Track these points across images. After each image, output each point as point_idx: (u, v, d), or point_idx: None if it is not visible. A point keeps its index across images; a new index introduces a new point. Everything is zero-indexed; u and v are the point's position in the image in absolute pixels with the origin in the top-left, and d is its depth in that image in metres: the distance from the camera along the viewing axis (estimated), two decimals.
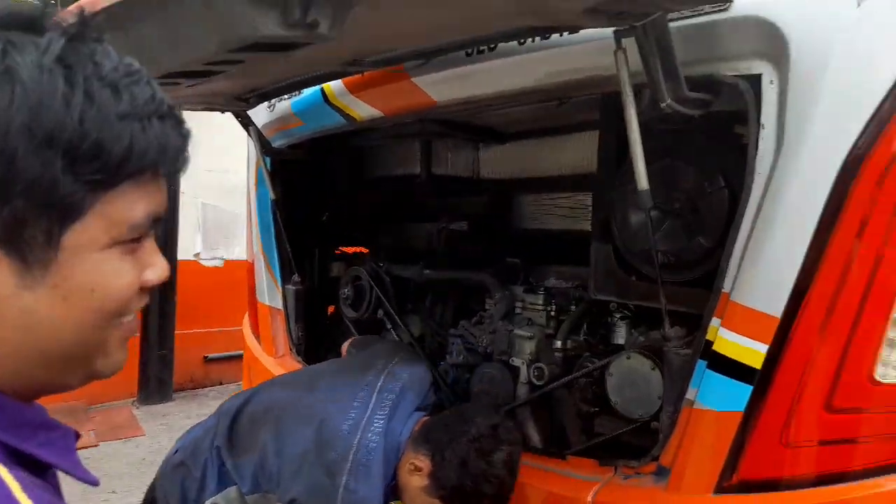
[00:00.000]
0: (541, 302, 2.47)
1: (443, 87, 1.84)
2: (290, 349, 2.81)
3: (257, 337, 2.98)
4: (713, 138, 1.64)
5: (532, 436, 2.31)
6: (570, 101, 1.85)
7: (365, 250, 3.07)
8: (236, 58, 1.07)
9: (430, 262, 2.72)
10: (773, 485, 1.40)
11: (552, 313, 2.47)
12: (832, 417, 1.31)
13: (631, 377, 1.97)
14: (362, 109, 2.07)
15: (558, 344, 2.36)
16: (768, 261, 1.30)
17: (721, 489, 1.43)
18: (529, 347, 2.38)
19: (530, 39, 1.55)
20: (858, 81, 1.16)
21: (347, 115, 2.13)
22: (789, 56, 1.21)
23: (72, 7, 0.58)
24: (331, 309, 3.07)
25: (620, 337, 2.23)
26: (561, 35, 1.48)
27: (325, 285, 2.93)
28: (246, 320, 3.13)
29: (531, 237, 2.83)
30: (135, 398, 6.23)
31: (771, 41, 1.24)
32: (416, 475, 1.69)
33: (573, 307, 2.46)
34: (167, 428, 5.64)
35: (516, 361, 2.43)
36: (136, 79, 0.53)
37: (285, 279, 2.74)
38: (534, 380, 2.28)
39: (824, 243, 1.21)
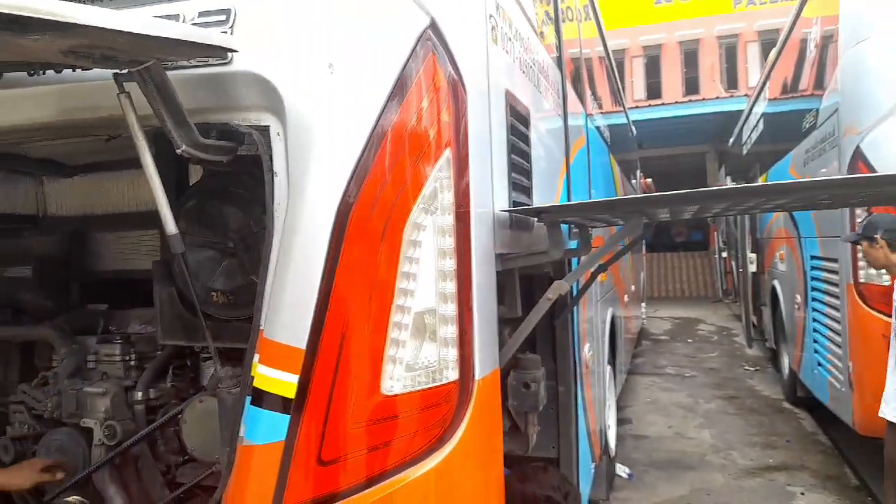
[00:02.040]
0: (117, 352, 2.27)
1: None
2: None
3: None
4: (257, 180, 1.72)
5: (115, 500, 2.10)
6: (122, 136, 1.75)
7: None
8: None
9: None
10: (321, 503, 1.51)
11: (132, 363, 2.29)
12: (356, 431, 1.46)
13: (205, 420, 1.93)
14: None
15: (139, 395, 2.20)
16: (290, 297, 1.40)
17: None
18: (103, 405, 2.16)
19: (41, 72, 1.41)
20: (340, 139, 1.34)
21: None
22: (286, 111, 1.34)
23: None
24: None
25: (207, 378, 2.19)
26: (73, 70, 1.38)
27: None
28: None
29: (114, 280, 2.60)
30: None
31: (270, 96, 1.35)
32: None
33: (158, 353, 2.33)
34: None
35: (88, 422, 2.19)
36: None
37: None
38: (105, 440, 2.07)
39: (331, 281, 1.36)
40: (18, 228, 2.56)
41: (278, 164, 1.38)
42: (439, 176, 1.40)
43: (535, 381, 2.49)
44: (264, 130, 1.38)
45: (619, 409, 6.54)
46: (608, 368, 4.93)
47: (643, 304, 12.08)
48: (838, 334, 4.77)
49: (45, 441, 2.21)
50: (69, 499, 2.12)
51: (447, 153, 1.41)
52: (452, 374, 1.51)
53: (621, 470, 5.13)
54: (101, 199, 2.55)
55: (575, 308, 3.09)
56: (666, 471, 5.25)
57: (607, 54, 6.29)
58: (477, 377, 1.57)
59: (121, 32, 0.98)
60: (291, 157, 1.35)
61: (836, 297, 4.75)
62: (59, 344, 2.24)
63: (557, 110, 2.90)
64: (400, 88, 1.37)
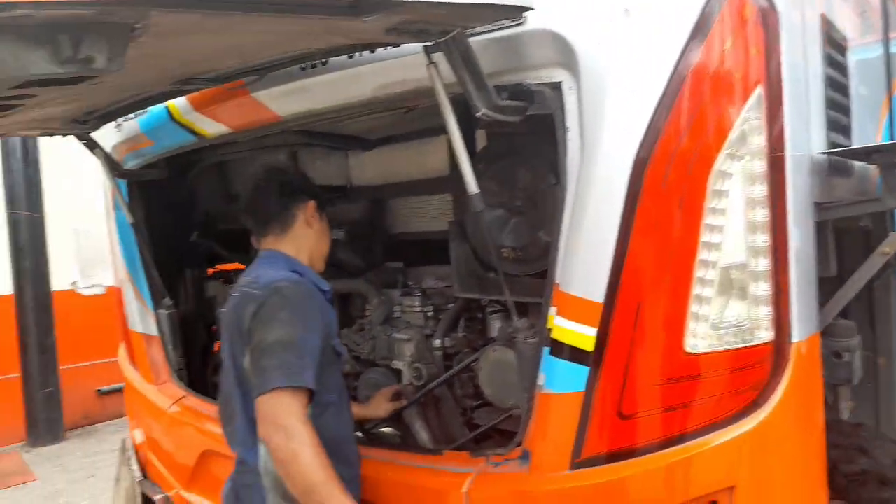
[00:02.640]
0: (417, 304, 2.52)
1: (283, 101, 1.85)
2: (171, 375, 2.73)
3: (134, 366, 2.87)
4: (544, 139, 1.74)
5: (420, 435, 2.36)
6: (418, 109, 1.91)
7: (242, 266, 3.02)
8: (25, 93, 1.04)
9: None
10: (619, 455, 1.51)
11: (429, 314, 2.53)
12: (657, 388, 1.43)
13: (498, 369, 2.06)
14: (209, 126, 2.04)
15: (437, 343, 2.42)
16: (586, 252, 1.40)
17: (574, 465, 1.53)
18: (409, 350, 2.43)
19: (358, 54, 1.59)
20: (635, 88, 1.28)
21: (195, 132, 2.10)
22: (579, 64, 1.31)
23: None
24: (213, 329, 3.00)
25: (495, 331, 2.32)
26: (385, 49, 1.53)
27: (201, 306, 2.86)
28: (121, 350, 3.01)
29: (409, 240, 2.88)
30: (24, 442, 5.83)
31: (563, 51, 1.33)
32: None
33: (450, 306, 2.53)
34: (62, 469, 5.33)
35: (398, 364, 2.48)
36: None
37: (157, 304, 2.66)
38: (413, 381, 2.33)
39: (628, 233, 1.32)
40: (331, 198, 2.96)
41: (571, 119, 1.37)
42: (748, 118, 1.27)
43: (849, 350, 2.16)
44: (556, 86, 1.39)
45: None
46: None
47: None
48: None
49: (363, 378, 2.55)
50: (384, 429, 2.44)
51: (758, 91, 1.27)
52: (766, 335, 1.38)
53: None
54: (395, 169, 2.82)
55: None
56: None
57: None
58: (794, 340, 1.41)
59: (440, 4, 1.05)
60: (584, 111, 1.34)
61: None
62: (372, 295, 2.55)
63: (877, 35, 2.44)
64: (702, 25, 1.26)
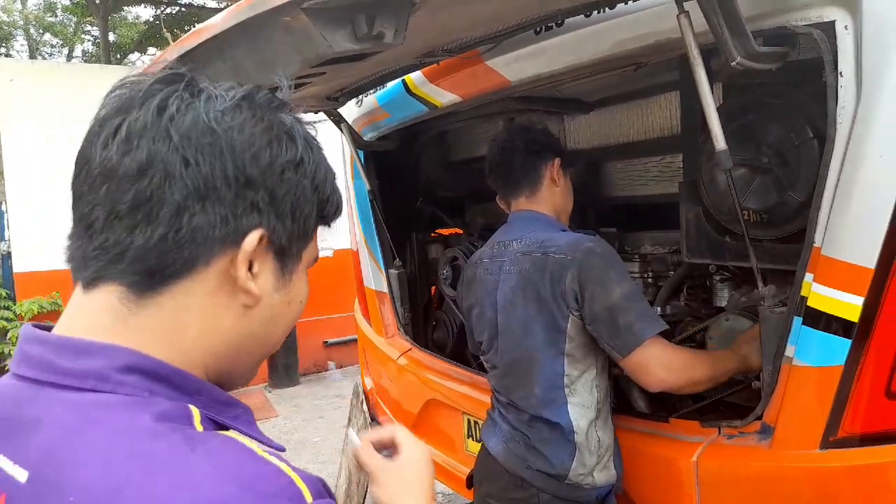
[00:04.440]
0: (637, 269, 2.47)
1: (516, 66, 1.89)
2: (399, 329, 2.98)
3: (368, 320, 3.18)
4: (798, 89, 1.59)
5: (637, 401, 2.33)
6: (647, 65, 1.85)
7: (460, 231, 3.18)
8: (319, 70, 1.19)
9: None
10: (881, 438, 1.37)
11: (650, 280, 2.47)
12: None
13: (731, 338, 1.95)
14: (442, 96, 2.16)
15: (658, 311, 2.36)
16: (857, 212, 1.26)
17: (827, 444, 1.42)
18: None
19: (596, 12, 1.57)
20: None
21: (429, 102, 2.23)
22: (861, 0, 1.17)
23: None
24: (433, 290, 3.21)
25: (722, 299, 2.20)
26: (626, 3, 1.49)
27: (424, 267, 3.07)
28: (356, 305, 3.34)
29: (624, 204, 2.81)
30: (266, 383, 6.77)
31: None
32: None
33: (671, 272, 2.44)
34: (297, 409, 6.10)
35: None
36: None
37: (388, 264, 2.90)
38: None
39: None
40: None
41: (845, 63, 1.23)
42: None
43: None
44: (828, 27, 1.25)
45: None
46: None
47: None
48: None
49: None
50: None
51: None
52: None
53: None
54: (613, 131, 2.76)
55: None
56: None
57: None
58: None
59: None
60: (865, 53, 1.19)
61: None
62: None
63: None
64: None
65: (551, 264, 1.69)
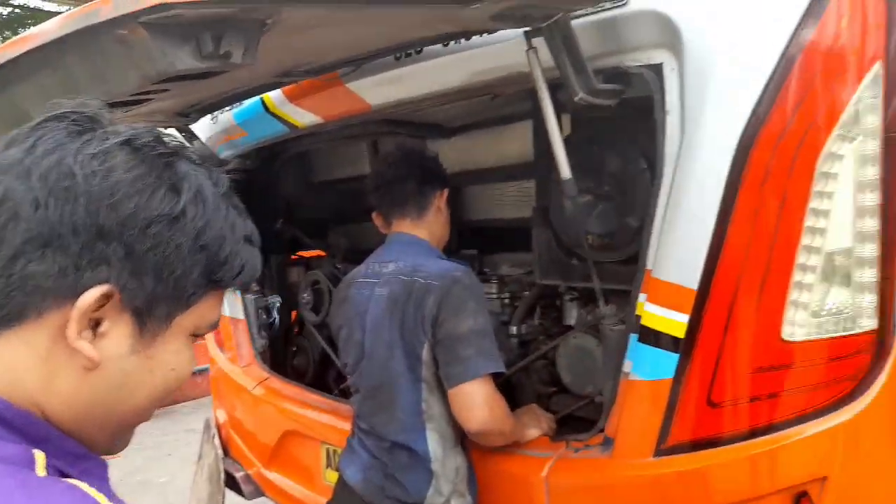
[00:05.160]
0: (494, 290, 2.55)
1: (376, 91, 1.90)
2: (255, 357, 2.85)
3: (221, 348, 3.02)
4: (635, 123, 1.74)
5: None
6: (503, 95, 1.93)
7: (323, 254, 3.12)
8: (160, 87, 1.12)
9: None
10: (705, 443, 1.50)
11: (506, 301, 2.56)
12: (749, 376, 1.42)
13: (578, 356, 2.07)
14: (302, 117, 2.12)
15: (514, 330, 2.45)
16: (682, 237, 1.40)
17: (659, 452, 1.53)
18: None
19: (453, 42, 1.62)
20: (743, 69, 1.26)
21: (289, 123, 2.18)
22: (683, 45, 1.31)
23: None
24: (293, 314, 3.11)
25: (572, 318, 2.33)
26: (481, 36, 1.56)
27: (285, 291, 2.98)
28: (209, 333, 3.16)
29: (484, 228, 2.90)
30: None
31: (666, 32, 1.33)
32: None
33: (526, 293, 2.55)
34: (140, 447, 5.62)
35: None
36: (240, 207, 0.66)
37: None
38: None
39: (728, 218, 1.31)
40: None
41: (671, 101, 1.37)
42: (863, 96, 1.23)
43: None
44: (657, 68, 1.38)
45: None
46: None
47: None
48: None
49: None
50: None
51: (875, 68, 1.23)
52: (868, 323, 1.34)
53: None
54: (473, 157, 2.85)
55: None
56: None
57: None
58: None
59: None
60: (686, 94, 1.33)
61: None
62: None
63: None
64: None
65: (417, 289, 1.70)
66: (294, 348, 3.05)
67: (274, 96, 2.13)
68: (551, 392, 2.36)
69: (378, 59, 1.74)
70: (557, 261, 2.05)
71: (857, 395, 1.37)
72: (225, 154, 2.57)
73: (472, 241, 2.92)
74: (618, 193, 1.81)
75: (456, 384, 1.62)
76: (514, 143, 2.62)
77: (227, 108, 2.30)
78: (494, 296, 2.54)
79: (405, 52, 1.72)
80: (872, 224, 1.28)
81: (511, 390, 2.47)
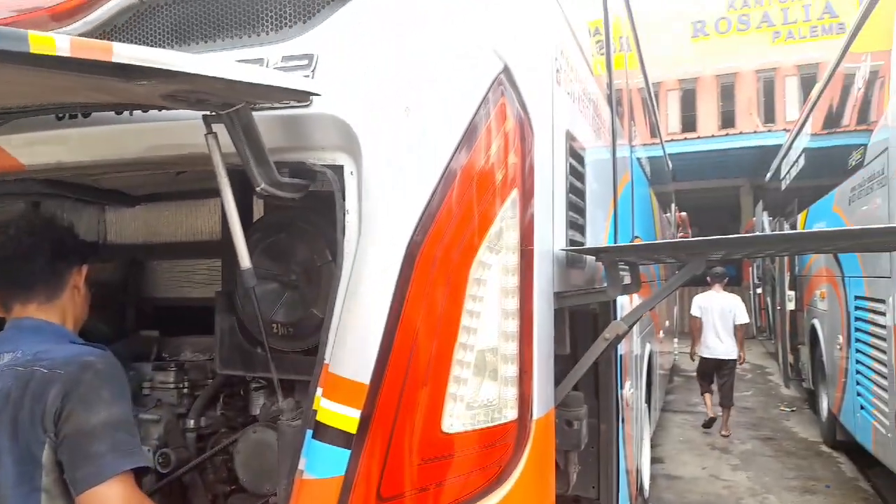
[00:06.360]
0: (171, 379, 2.33)
1: (31, 150, 1.64)
2: None
3: None
4: (322, 216, 1.77)
5: None
6: (191, 171, 1.82)
7: None
8: None
9: None
10: None
11: (185, 390, 2.34)
12: (416, 469, 1.47)
13: (257, 452, 1.96)
14: None
15: (191, 423, 2.24)
16: (357, 333, 1.42)
17: None
18: (157, 431, 2.21)
19: (128, 112, 1.48)
20: (411, 180, 1.38)
21: None
22: (360, 150, 1.38)
23: None
24: None
25: (258, 408, 2.22)
26: (160, 110, 1.45)
27: None
28: None
29: (168, 307, 2.67)
30: None
31: (346, 137, 1.39)
32: None
33: (210, 381, 2.37)
34: None
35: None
36: None
37: None
38: (159, 468, 2.10)
39: (397, 317, 1.38)
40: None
41: (350, 201, 1.42)
42: (505, 216, 1.43)
43: (579, 419, 2.46)
44: (338, 169, 1.43)
45: (652, 447, 6.41)
46: (644, 406, 4.85)
47: (675, 340, 11.88)
48: (884, 377, 4.63)
49: None
50: None
51: (514, 193, 1.44)
52: (511, 414, 1.51)
53: None
54: (159, 229, 2.63)
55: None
56: None
57: (647, 86, 6.32)
58: (535, 416, 1.57)
59: (218, 79, 1.03)
60: (363, 196, 1.39)
61: (883, 338, 4.63)
62: None
63: (607, 145, 2.92)
64: (472, 131, 1.40)
65: (35, 382, 1.43)
66: None
67: None
68: (229, 491, 2.20)
69: (38, 117, 1.51)
70: (240, 349, 1.94)
71: (502, 480, 1.51)
72: None
73: (153, 320, 2.66)
74: (304, 283, 1.80)
75: (86, 488, 1.36)
76: (206, 219, 2.49)
77: None
78: (172, 385, 2.31)
79: (69, 113, 1.52)
80: (513, 325, 1.46)
81: (184, 490, 2.24)
